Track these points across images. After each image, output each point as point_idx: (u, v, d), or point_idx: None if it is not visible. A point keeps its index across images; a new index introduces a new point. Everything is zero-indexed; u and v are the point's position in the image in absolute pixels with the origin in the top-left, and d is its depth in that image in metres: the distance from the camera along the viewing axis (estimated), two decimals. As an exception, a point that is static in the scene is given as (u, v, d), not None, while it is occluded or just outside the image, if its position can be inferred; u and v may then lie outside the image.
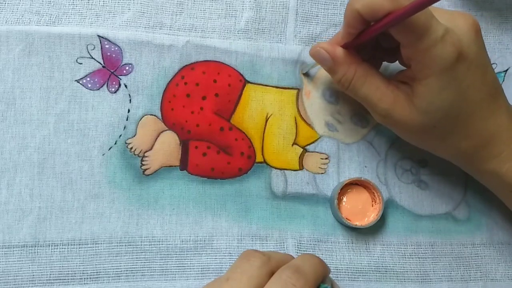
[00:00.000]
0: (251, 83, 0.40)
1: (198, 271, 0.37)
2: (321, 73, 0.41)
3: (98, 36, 0.38)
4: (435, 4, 0.27)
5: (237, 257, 0.31)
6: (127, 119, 0.38)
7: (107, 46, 0.38)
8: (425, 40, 0.30)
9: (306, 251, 0.38)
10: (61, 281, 0.35)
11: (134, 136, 0.38)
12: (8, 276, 0.35)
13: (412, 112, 0.33)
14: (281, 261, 0.30)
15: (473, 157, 0.35)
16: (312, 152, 0.40)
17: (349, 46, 0.34)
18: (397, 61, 0.37)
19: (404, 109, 0.33)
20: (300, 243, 0.38)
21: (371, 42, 0.36)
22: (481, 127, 0.34)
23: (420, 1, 0.27)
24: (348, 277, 0.38)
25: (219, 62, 0.40)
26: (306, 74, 0.40)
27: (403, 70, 0.35)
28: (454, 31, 0.31)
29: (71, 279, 0.35)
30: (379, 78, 0.34)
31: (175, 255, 0.37)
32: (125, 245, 0.36)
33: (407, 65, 0.34)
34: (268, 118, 0.40)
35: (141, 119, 0.38)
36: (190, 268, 0.37)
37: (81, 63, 0.38)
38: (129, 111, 0.38)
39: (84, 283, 0.35)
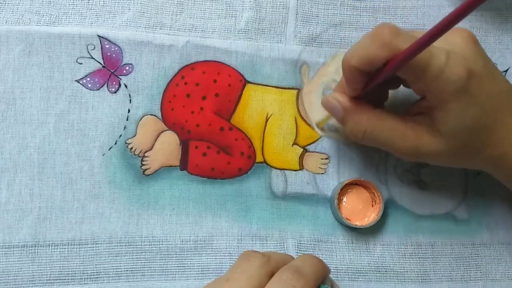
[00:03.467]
0: (251, 83, 0.40)
1: (198, 271, 0.37)
2: (321, 73, 0.41)
3: (98, 36, 0.38)
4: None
5: (237, 257, 0.31)
6: (127, 119, 0.38)
7: (107, 46, 0.38)
8: (430, 70, 0.30)
9: (306, 251, 0.38)
10: (61, 281, 0.35)
11: (134, 136, 0.38)
12: (8, 276, 0.35)
13: (439, 140, 0.33)
14: (281, 262, 0.30)
15: (506, 163, 0.34)
16: (312, 152, 0.40)
17: (357, 95, 0.34)
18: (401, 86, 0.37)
19: (430, 140, 0.33)
20: (300, 243, 0.38)
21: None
22: (506, 132, 0.33)
23: (421, 40, 0.26)
24: (348, 277, 0.38)
25: (219, 62, 0.40)
26: (323, 129, 0.40)
27: (416, 102, 0.35)
28: (455, 51, 0.31)
29: (71, 279, 0.35)
30: (394, 119, 0.34)
31: (175, 255, 0.37)
32: (125, 245, 0.36)
33: (419, 96, 0.34)
34: (268, 118, 0.40)
35: (141, 119, 0.38)
36: (190, 268, 0.37)
37: (81, 63, 0.38)
38: (129, 111, 0.38)
39: (84, 283, 0.36)
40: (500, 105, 0.33)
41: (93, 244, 0.36)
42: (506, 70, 0.43)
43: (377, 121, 0.34)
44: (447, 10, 0.43)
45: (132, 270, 0.36)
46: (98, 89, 0.38)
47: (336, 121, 0.40)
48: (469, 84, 0.31)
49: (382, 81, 0.32)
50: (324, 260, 0.31)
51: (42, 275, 0.35)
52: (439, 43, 0.30)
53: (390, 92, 0.38)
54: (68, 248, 0.36)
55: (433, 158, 0.35)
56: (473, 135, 0.33)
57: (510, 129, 0.33)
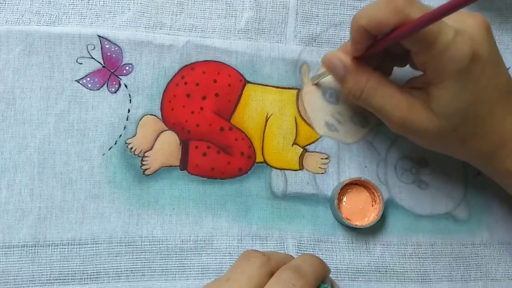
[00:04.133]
0: (251, 83, 0.40)
1: (198, 271, 0.37)
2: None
3: (98, 36, 0.38)
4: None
5: (237, 257, 0.31)
6: (127, 119, 0.38)
7: (107, 46, 0.38)
8: (436, 44, 0.30)
9: (306, 251, 0.38)
10: (61, 281, 0.35)
11: (134, 136, 0.38)
12: (8, 276, 0.35)
13: (431, 117, 0.33)
14: (281, 261, 0.30)
15: (493, 157, 0.34)
16: (312, 152, 0.40)
17: (359, 57, 0.34)
18: (407, 66, 0.37)
19: (422, 115, 0.33)
20: (300, 243, 0.38)
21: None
22: (499, 126, 0.33)
23: (433, 13, 0.26)
24: (348, 277, 0.38)
25: (219, 62, 0.40)
26: (317, 84, 0.40)
27: (416, 76, 0.35)
28: (465, 31, 0.31)
29: (71, 279, 0.35)
30: (392, 86, 0.34)
31: (175, 255, 0.37)
32: (125, 245, 0.36)
33: (421, 70, 0.33)
34: (268, 118, 0.40)
35: (141, 119, 0.38)
36: (190, 268, 0.37)
37: (81, 63, 0.38)
38: (129, 111, 0.38)
39: (84, 283, 0.35)
40: (498, 97, 0.33)
41: (93, 244, 0.36)
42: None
43: (375, 83, 0.34)
44: (447, 10, 0.43)
45: (132, 270, 0.36)
46: (98, 89, 0.38)
47: (336, 121, 0.40)
48: (471, 66, 0.31)
49: (385, 46, 0.31)
50: (324, 260, 0.31)
51: (42, 275, 0.35)
52: (452, 22, 0.30)
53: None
54: (68, 248, 0.36)
55: (420, 135, 0.35)
56: (464, 121, 0.33)
57: (506, 124, 0.33)
